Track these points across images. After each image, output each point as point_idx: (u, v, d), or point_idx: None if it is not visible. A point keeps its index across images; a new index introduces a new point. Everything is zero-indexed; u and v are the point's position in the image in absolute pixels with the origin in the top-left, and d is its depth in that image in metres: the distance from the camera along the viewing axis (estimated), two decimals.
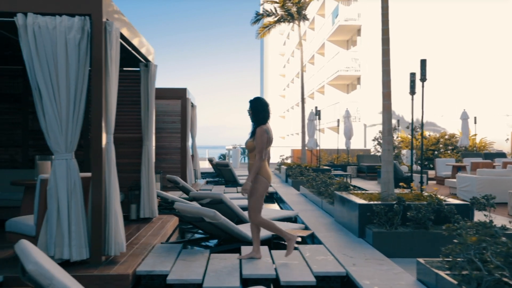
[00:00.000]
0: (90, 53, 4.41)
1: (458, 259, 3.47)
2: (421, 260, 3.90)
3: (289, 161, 21.59)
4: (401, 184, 6.62)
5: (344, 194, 6.58)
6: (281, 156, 20.88)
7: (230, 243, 5.57)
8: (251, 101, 4.76)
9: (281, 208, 10.03)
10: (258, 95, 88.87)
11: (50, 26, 4.28)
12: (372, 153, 20.80)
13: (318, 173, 10.58)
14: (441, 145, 21.93)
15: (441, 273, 3.40)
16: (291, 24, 17.74)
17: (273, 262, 4.52)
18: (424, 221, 5.26)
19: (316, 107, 16.64)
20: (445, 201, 5.68)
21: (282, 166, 15.59)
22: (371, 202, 5.70)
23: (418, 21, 24.65)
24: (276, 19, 16.14)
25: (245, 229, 5.65)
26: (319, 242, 5.67)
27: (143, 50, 6.25)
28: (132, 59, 6.43)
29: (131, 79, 7.40)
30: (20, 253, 2.40)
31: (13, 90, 7.14)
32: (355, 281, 3.95)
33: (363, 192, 6.90)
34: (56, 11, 4.34)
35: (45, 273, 2.26)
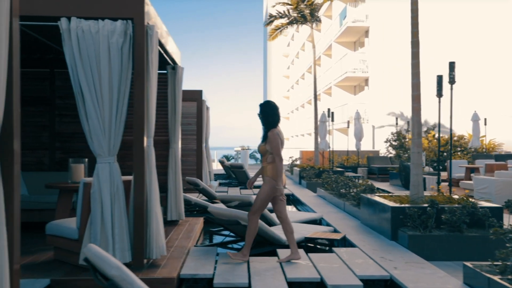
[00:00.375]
0: (132, 56, 4.42)
1: (508, 263, 3.48)
2: (468, 263, 3.90)
3: (297, 162, 21.59)
4: (432, 187, 6.61)
5: (372, 197, 6.59)
6: (290, 157, 20.88)
7: (263, 245, 5.57)
8: (261, 105, 4.83)
9: (299, 210, 10.04)
10: (261, 96, 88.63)
11: (93, 30, 4.30)
12: (384, 155, 20.78)
13: (337, 175, 10.58)
14: (449, 147, 21.90)
15: (495, 277, 3.40)
16: (295, 25, 17.71)
17: (314, 265, 4.53)
18: (458, 224, 5.27)
19: (328, 109, 16.64)
20: (478, 204, 5.68)
21: (295, 168, 15.59)
22: (404, 205, 5.70)
23: (423, 22, 24.66)
24: (288, 21, 16.17)
25: (279, 232, 5.66)
26: (351, 245, 5.67)
27: (172, 53, 6.27)
28: (160, 61, 6.45)
29: (158, 82, 7.41)
30: (97, 259, 2.40)
31: (41, 93, 7.16)
32: (401, 285, 3.95)
33: (390, 194, 6.90)
34: (99, 15, 4.37)
35: (127, 278, 2.27)
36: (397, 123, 20.16)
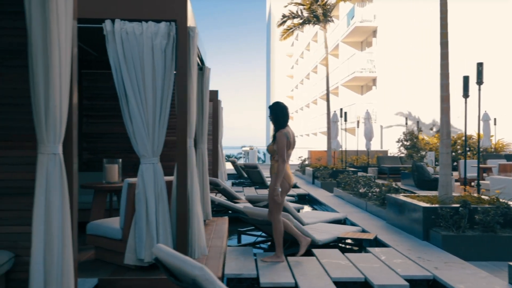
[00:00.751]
0: (176, 58, 4.46)
1: None
2: None
3: (306, 162, 21.61)
4: (462, 187, 6.64)
5: (401, 197, 6.62)
6: (300, 157, 20.92)
7: (296, 245, 5.60)
8: (270, 107, 4.94)
9: (316, 209, 10.07)
10: (264, 96, 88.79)
11: (137, 32, 4.34)
12: (393, 155, 20.81)
13: (357, 176, 10.61)
14: (458, 146, 21.94)
15: None
16: (307, 26, 17.77)
17: (354, 265, 4.56)
18: (492, 225, 5.30)
19: (341, 109, 16.66)
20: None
21: (307, 168, 15.61)
22: (436, 205, 5.73)
23: (430, 22, 24.68)
24: (301, 21, 16.20)
25: (312, 231, 5.69)
26: (383, 245, 5.70)
27: (202, 53, 6.30)
28: None
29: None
30: (175, 260, 2.43)
31: None
32: (446, 285, 3.98)
33: (417, 195, 6.94)
34: (143, 17, 4.40)
35: (209, 278, 2.30)
36: (406, 123, 20.19)
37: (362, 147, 22.25)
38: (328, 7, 15.37)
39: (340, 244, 6.15)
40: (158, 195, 4.35)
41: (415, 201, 6.15)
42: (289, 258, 4.87)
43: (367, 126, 19.12)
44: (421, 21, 24.55)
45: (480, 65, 6.95)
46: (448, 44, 6.19)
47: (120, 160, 5.80)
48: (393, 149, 23.68)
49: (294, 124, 51.28)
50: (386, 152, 22.63)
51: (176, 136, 4.49)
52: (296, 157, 21.93)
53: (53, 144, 2.95)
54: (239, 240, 6.74)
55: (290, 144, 4.80)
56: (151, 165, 4.36)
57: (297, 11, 16.10)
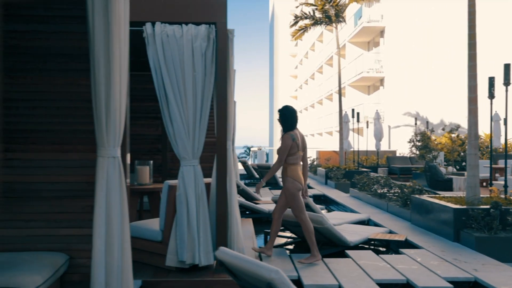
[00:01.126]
0: (216, 61, 4.47)
1: None
2: None
3: (315, 163, 21.62)
4: (491, 188, 6.66)
5: (428, 198, 6.63)
6: (308, 157, 20.93)
7: (329, 246, 5.62)
8: (279, 110, 5.08)
9: (332, 210, 10.08)
10: (267, 96, 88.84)
11: (177, 34, 4.35)
12: (401, 155, 20.81)
13: (377, 176, 10.61)
14: (466, 147, 21.94)
15: None
16: (318, 26, 17.83)
17: (392, 267, 4.58)
18: None
19: (353, 109, 16.68)
20: None
21: (320, 168, 15.62)
22: (467, 207, 5.74)
23: (438, 22, 24.68)
24: (313, 21, 16.23)
25: (345, 233, 5.70)
26: (414, 246, 5.71)
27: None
28: None
29: None
30: (247, 264, 2.45)
31: None
32: (489, 287, 3.99)
33: (442, 196, 6.95)
34: (183, 20, 4.42)
35: (285, 281, 2.31)
36: (416, 123, 20.18)
37: (370, 147, 22.26)
38: (341, 7, 15.39)
39: (365, 245, 6.16)
40: (198, 197, 4.36)
41: (443, 202, 6.16)
42: (327, 260, 4.88)
43: (377, 127, 19.11)
44: (429, 21, 24.55)
45: (507, 67, 6.95)
46: (476, 46, 6.19)
47: (152, 162, 5.82)
48: (402, 149, 23.68)
49: (298, 124, 51.22)
50: (394, 152, 22.64)
51: (216, 138, 4.51)
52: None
53: (113, 148, 2.97)
54: (265, 242, 6.74)
55: (297, 146, 4.89)
56: (192, 167, 4.38)
57: (309, 12, 16.12)
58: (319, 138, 38.65)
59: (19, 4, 3.28)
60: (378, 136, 19.06)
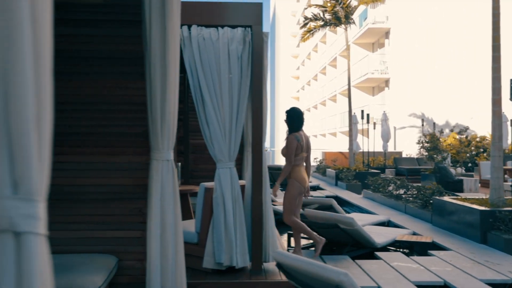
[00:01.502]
0: (252, 64, 4.49)
1: None
2: None
3: (322, 164, 21.65)
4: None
5: (452, 200, 6.66)
6: (315, 158, 20.96)
7: (358, 247, 5.64)
8: (287, 111, 5.22)
9: (348, 212, 10.10)
10: (269, 96, 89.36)
11: (213, 37, 4.37)
12: (411, 156, 20.84)
13: (393, 177, 10.64)
14: (473, 148, 21.99)
15: None
16: (327, 28, 17.93)
17: (427, 268, 4.60)
18: None
19: (362, 111, 16.72)
20: None
21: (329, 170, 15.64)
22: (494, 209, 5.77)
23: (444, 23, 24.73)
24: (322, 23, 16.29)
25: (373, 235, 5.72)
26: (442, 248, 5.72)
27: None
28: None
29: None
30: (311, 266, 2.47)
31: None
32: None
33: (466, 197, 6.97)
34: (219, 23, 4.43)
35: (353, 283, 2.33)
36: (423, 124, 20.23)
37: (375, 148, 22.30)
38: (350, 9, 15.45)
39: (390, 247, 6.18)
40: (235, 199, 4.38)
41: (467, 204, 6.19)
42: (359, 261, 4.89)
43: (384, 128, 19.16)
44: (434, 21, 24.60)
45: None
46: (500, 48, 6.22)
47: (180, 164, 5.83)
48: (408, 150, 23.74)
49: None
50: (400, 153, 22.68)
51: (252, 140, 4.53)
52: (313, 158, 21.95)
53: (167, 151, 2.99)
54: (289, 243, 6.76)
55: (302, 147, 4.99)
56: (228, 170, 4.39)
57: (318, 14, 16.18)
58: (322, 139, 38.70)
59: (71, 7, 3.30)
60: (386, 137, 19.11)
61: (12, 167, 0.78)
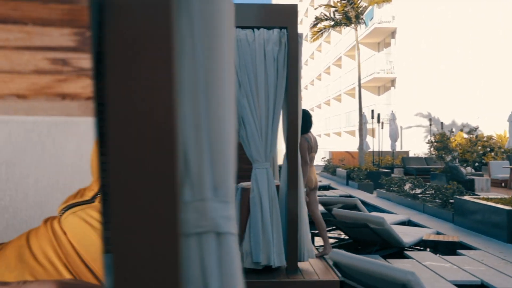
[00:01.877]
0: (287, 65, 4.52)
1: None
2: None
3: (329, 163, 21.67)
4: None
5: (474, 199, 6.69)
6: (322, 158, 20.99)
7: (385, 247, 5.67)
8: None
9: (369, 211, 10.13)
10: None
11: (249, 39, 4.41)
12: (419, 155, 20.87)
13: (409, 177, 10.67)
14: (479, 147, 22.00)
15: None
16: (337, 28, 18.00)
17: (460, 268, 4.63)
18: None
19: (372, 110, 16.76)
20: None
21: (339, 169, 15.68)
22: None
23: (451, 22, 24.76)
24: (332, 23, 16.34)
25: (401, 234, 5.76)
26: (469, 248, 5.75)
27: None
28: None
29: None
30: (375, 266, 2.51)
31: None
32: None
33: (488, 197, 7.01)
34: (255, 24, 4.47)
35: (420, 282, 2.37)
36: (431, 124, 20.26)
37: (383, 147, 22.32)
38: (361, 9, 15.49)
39: (416, 247, 6.21)
40: (271, 199, 4.41)
41: (492, 204, 6.22)
42: (391, 260, 4.93)
43: (393, 127, 19.21)
44: (440, 21, 24.63)
45: None
46: None
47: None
48: (415, 149, 23.77)
49: None
50: (407, 152, 22.72)
51: (287, 142, 4.56)
52: (320, 158, 21.96)
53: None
54: (312, 242, 6.79)
55: (311, 147, 5.09)
56: (265, 170, 4.43)
57: (329, 14, 16.23)
58: (326, 138, 38.72)
59: None
60: (394, 136, 19.16)
61: (212, 171, 0.82)
